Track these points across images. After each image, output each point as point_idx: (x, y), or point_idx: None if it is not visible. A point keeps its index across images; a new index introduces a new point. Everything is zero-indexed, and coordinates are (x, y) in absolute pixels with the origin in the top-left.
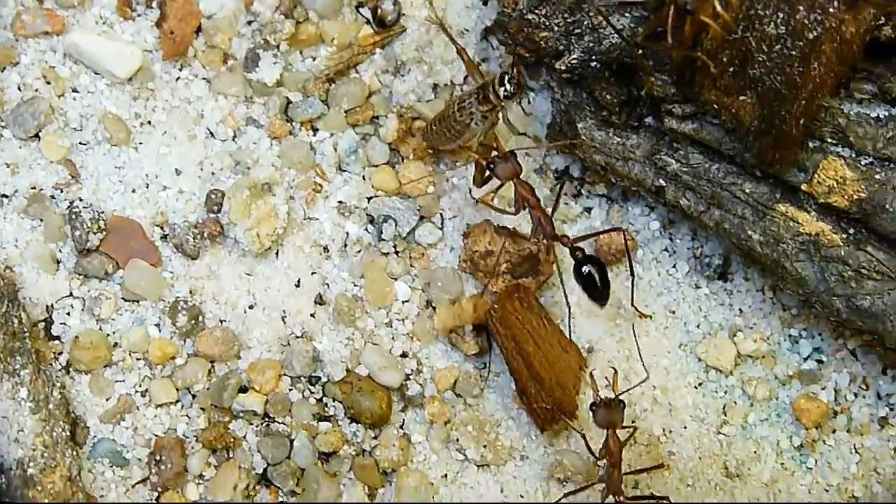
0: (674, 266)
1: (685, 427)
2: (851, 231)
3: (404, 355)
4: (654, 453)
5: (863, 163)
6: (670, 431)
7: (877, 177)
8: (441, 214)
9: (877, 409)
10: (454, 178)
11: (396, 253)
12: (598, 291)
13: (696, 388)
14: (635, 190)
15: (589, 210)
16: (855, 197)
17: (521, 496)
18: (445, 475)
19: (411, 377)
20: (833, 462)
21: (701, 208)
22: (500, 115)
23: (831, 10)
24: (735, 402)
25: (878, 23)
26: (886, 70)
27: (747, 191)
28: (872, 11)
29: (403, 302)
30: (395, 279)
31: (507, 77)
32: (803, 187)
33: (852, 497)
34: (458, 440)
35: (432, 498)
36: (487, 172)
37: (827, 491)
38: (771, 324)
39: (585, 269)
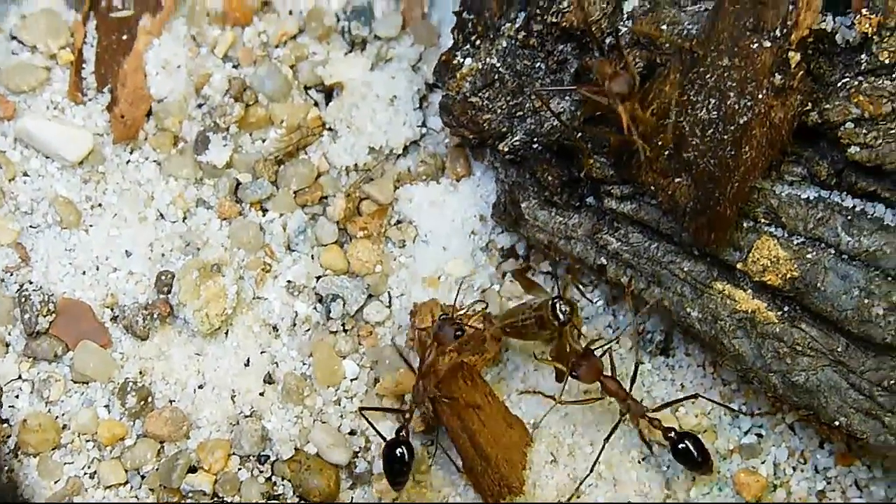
0: (617, 342)
1: (629, 502)
2: (786, 308)
3: (353, 433)
4: None
5: (795, 242)
6: None
7: (808, 256)
8: (389, 293)
9: (815, 483)
10: (402, 256)
11: (345, 331)
12: (699, 465)
13: (639, 462)
14: (578, 267)
15: None
16: (788, 276)
17: None
18: None
19: (359, 454)
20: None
21: (641, 286)
22: (564, 335)
23: (760, 96)
24: (678, 477)
25: (805, 108)
26: (814, 153)
27: (686, 269)
28: (799, 97)
29: (352, 380)
30: (344, 357)
31: (559, 305)
32: (739, 266)
33: None
34: None
35: None
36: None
37: None
38: (712, 398)
39: (682, 446)
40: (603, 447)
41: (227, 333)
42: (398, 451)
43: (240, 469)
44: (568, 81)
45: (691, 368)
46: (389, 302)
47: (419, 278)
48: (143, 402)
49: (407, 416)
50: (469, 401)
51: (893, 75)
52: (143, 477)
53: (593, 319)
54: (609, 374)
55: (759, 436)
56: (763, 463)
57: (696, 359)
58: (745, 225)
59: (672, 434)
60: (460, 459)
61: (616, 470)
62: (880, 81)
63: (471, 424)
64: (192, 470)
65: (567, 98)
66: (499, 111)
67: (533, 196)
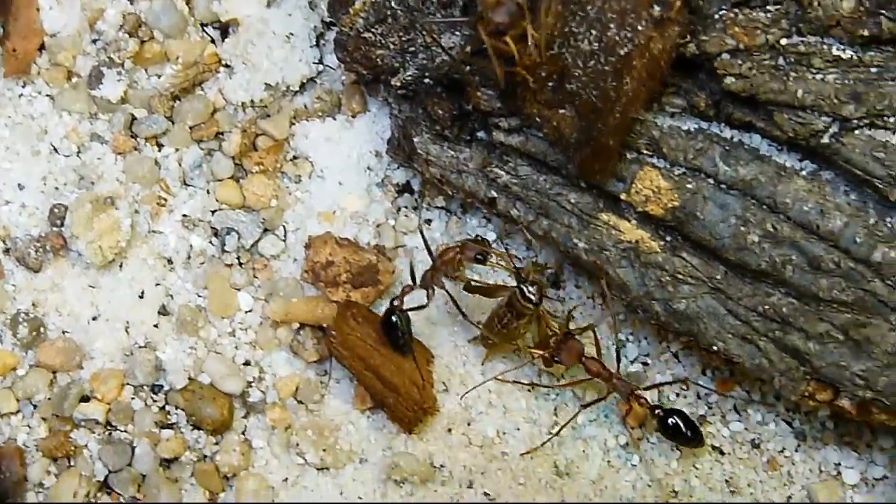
0: (509, 275)
1: (518, 429)
2: (668, 238)
3: (247, 363)
4: (487, 454)
5: (676, 173)
6: (504, 433)
7: (688, 186)
8: (284, 227)
9: (696, 408)
10: (297, 191)
11: (240, 264)
12: (690, 440)
13: (529, 391)
14: (471, 201)
15: (429, 222)
16: (669, 206)
17: (360, 497)
18: (286, 479)
19: (253, 384)
20: (656, 459)
21: (530, 218)
22: (539, 316)
23: (639, 27)
24: (566, 404)
25: (683, 40)
26: (693, 85)
27: (572, 201)
28: (677, 29)
29: (246, 312)
30: (239, 290)
31: (525, 289)
32: (623, 197)
33: (672, 491)
34: (298, 445)
35: (272, 501)
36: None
37: (650, 486)
38: (600, 329)
39: (671, 421)
40: (577, 413)
41: (121, 266)
42: (392, 318)
43: (133, 399)
44: (457, 14)
45: (581, 300)
46: (285, 236)
47: (315, 213)
48: (35, 333)
49: (405, 289)
50: (365, 338)
51: (767, 7)
52: (35, 406)
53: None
54: (591, 356)
55: (645, 364)
56: (647, 390)
57: (586, 291)
58: (628, 156)
59: (659, 412)
60: (369, 396)
61: (506, 398)
62: (755, 13)
63: (372, 360)
64: (85, 399)
65: (457, 32)
66: (391, 47)
67: (425, 131)
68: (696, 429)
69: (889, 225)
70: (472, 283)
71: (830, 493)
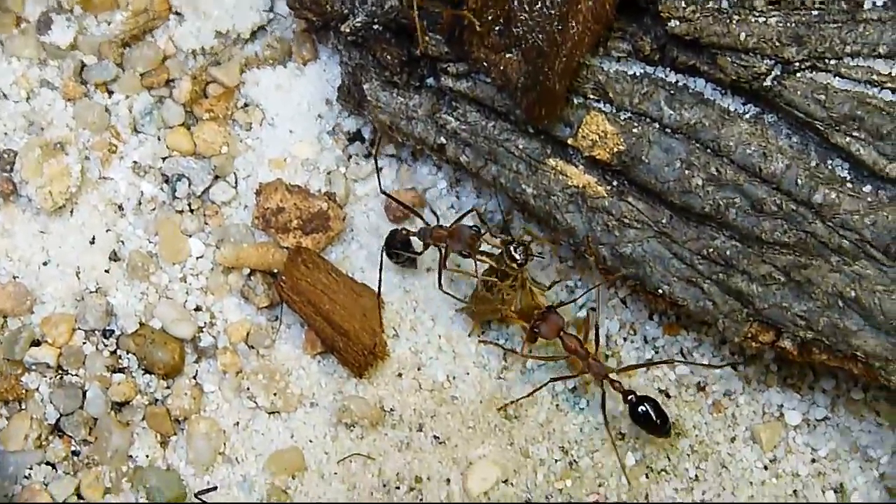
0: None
1: (468, 373)
2: (615, 183)
3: (198, 309)
4: (437, 398)
5: (622, 118)
6: (454, 377)
7: (634, 130)
8: (235, 174)
9: (644, 352)
10: (248, 139)
11: (191, 211)
12: (658, 428)
13: (479, 335)
14: (421, 149)
15: (380, 170)
16: (615, 150)
17: (311, 441)
18: (237, 422)
19: (204, 329)
20: (607, 403)
21: (479, 164)
22: (525, 279)
23: None
24: (516, 351)
25: None
26: (638, 29)
27: (520, 146)
28: None
29: (197, 258)
30: (190, 236)
31: (512, 248)
32: (570, 142)
33: (619, 434)
34: (249, 389)
35: (223, 444)
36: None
37: (597, 429)
38: (549, 275)
39: (641, 409)
40: (545, 385)
41: (71, 212)
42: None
43: (84, 343)
44: None
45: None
46: (235, 183)
47: (265, 160)
48: None
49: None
50: (315, 284)
51: None
52: None
53: (437, 201)
54: (571, 334)
55: (593, 309)
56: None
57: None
58: (575, 101)
59: (631, 397)
60: (319, 341)
61: (456, 343)
62: None
63: (322, 305)
64: (36, 344)
65: None
66: None
67: (375, 77)
68: (666, 418)
69: (830, 167)
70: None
71: (772, 434)
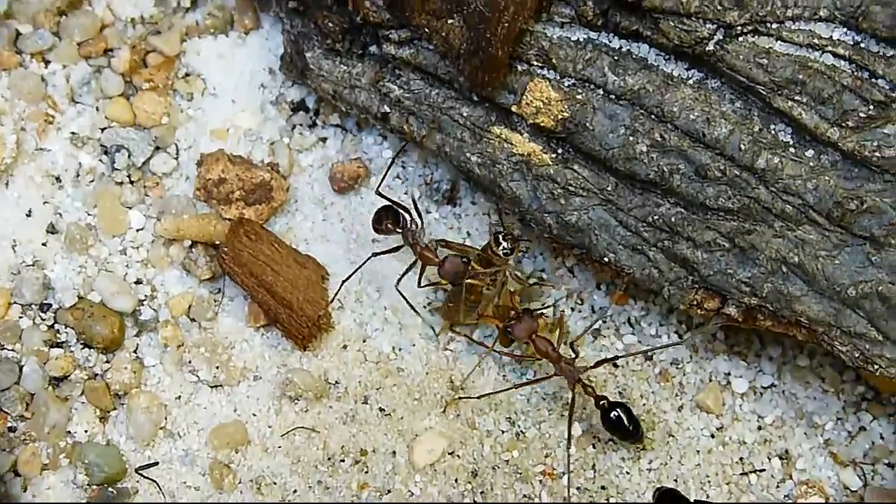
0: (405, 192)
1: (414, 345)
2: (560, 150)
3: (138, 282)
4: (383, 370)
5: (565, 84)
6: (400, 349)
7: (578, 97)
8: (176, 144)
9: (591, 322)
10: (189, 109)
11: (131, 182)
12: (629, 433)
13: (425, 307)
14: (366, 118)
15: (324, 140)
16: (559, 117)
17: (254, 414)
18: (179, 396)
19: (145, 303)
20: (550, 372)
21: (424, 133)
22: (507, 272)
23: None
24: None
25: None
26: None
27: (465, 114)
28: None
29: (138, 230)
30: (129, 208)
31: (501, 235)
32: (514, 109)
33: (565, 404)
34: (191, 362)
35: (164, 419)
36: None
37: (544, 399)
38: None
39: (613, 414)
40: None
41: (7, 184)
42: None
43: (21, 317)
44: None
45: (477, 217)
46: (177, 153)
47: (207, 130)
48: None
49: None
50: (257, 255)
51: None
52: None
53: (382, 171)
54: (543, 336)
55: (541, 279)
56: (543, 304)
57: (482, 207)
58: (518, 68)
59: (603, 402)
60: (263, 313)
61: (401, 315)
62: None
63: (265, 277)
64: None
65: None
66: None
67: (317, 45)
68: (637, 424)
69: (773, 132)
70: (442, 241)
71: (716, 401)
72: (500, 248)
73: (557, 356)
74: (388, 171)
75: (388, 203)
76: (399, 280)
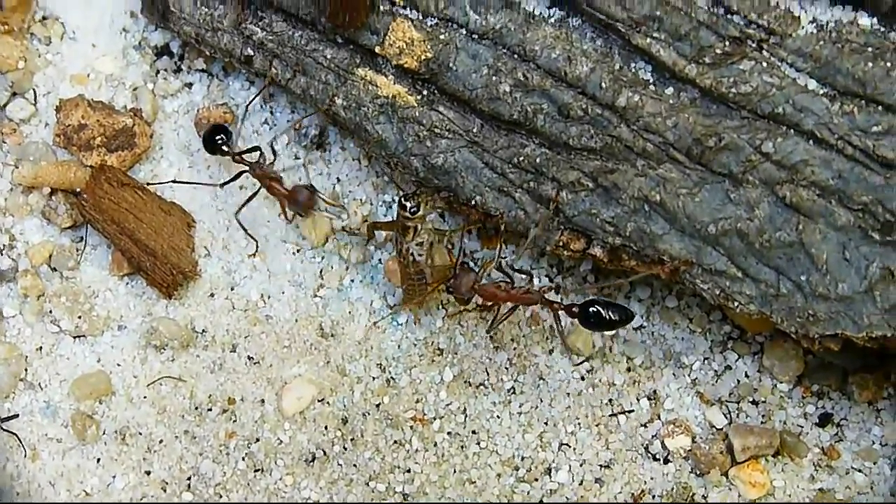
0: (274, 138)
1: (283, 292)
2: (425, 92)
3: None
4: (251, 317)
5: (428, 24)
6: (269, 297)
7: (441, 37)
8: (34, 90)
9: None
10: (48, 54)
11: None
12: (617, 321)
13: (294, 254)
14: (230, 62)
15: (190, 86)
16: (423, 58)
17: (119, 364)
18: (40, 347)
19: (4, 252)
20: (422, 318)
21: (288, 76)
22: (425, 231)
23: None
24: (332, 267)
25: None
26: None
27: (328, 56)
28: None
29: None
30: None
31: (403, 197)
32: (377, 50)
33: (437, 349)
34: (52, 312)
35: (24, 370)
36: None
37: (415, 345)
38: (366, 190)
39: (592, 310)
40: None
41: None
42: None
43: None
44: None
45: (347, 162)
46: (35, 99)
47: (67, 76)
48: None
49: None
50: (120, 202)
51: None
52: None
53: (250, 116)
54: (488, 284)
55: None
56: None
57: (352, 153)
58: (380, 7)
59: (575, 308)
60: (126, 262)
61: (270, 262)
62: None
63: (127, 224)
64: None
65: None
66: None
67: None
68: (619, 306)
69: (633, 69)
70: (376, 223)
71: (586, 343)
72: (409, 209)
73: (507, 293)
74: (245, 114)
75: (221, 123)
76: (239, 210)
